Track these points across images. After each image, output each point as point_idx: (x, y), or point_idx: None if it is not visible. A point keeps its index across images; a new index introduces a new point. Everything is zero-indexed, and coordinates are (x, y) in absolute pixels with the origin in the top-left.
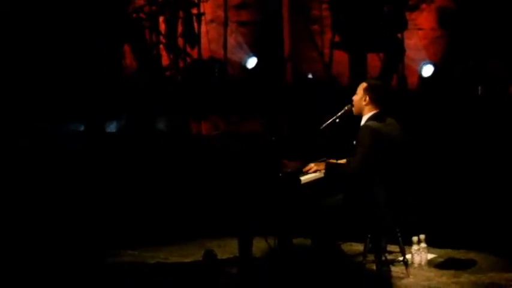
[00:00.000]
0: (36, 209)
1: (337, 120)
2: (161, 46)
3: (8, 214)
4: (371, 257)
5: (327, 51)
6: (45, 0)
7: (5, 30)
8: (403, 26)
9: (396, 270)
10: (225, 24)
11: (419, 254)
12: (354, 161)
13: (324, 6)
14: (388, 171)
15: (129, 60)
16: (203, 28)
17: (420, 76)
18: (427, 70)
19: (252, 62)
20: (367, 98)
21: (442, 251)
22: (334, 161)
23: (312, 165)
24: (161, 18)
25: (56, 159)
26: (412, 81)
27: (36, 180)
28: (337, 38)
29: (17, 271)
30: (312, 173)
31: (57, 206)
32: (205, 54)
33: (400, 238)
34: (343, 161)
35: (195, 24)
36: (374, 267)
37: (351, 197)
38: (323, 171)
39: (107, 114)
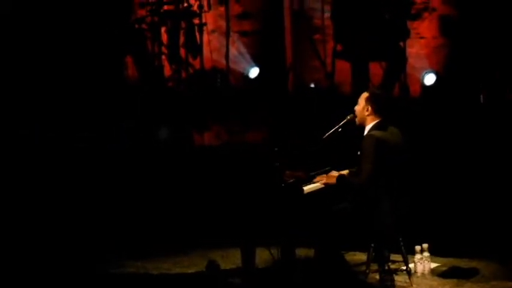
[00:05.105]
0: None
1: (340, 129)
2: (163, 56)
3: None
4: (374, 267)
5: (329, 60)
6: (48, 10)
7: (7, 38)
8: (405, 34)
9: (399, 279)
10: (227, 34)
11: (422, 263)
12: (363, 172)
13: (326, 15)
14: (393, 179)
15: (131, 70)
16: (205, 38)
17: (422, 85)
18: (429, 79)
19: (254, 72)
20: (370, 108)
21: (445, 260)
22: (337, 172)
23: (322, 177)
24: (163, 29)
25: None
26: (414, 89)
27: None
28: (339, 47)
29: (18, 277)
30: (315, 183)
31: (62, 216)
32: (207, 65)
33: (403, 247)
34: (346, 171)
35: (197, 35)
36: (377, 276)
37: (357, 207)
38: (324, 181)
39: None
